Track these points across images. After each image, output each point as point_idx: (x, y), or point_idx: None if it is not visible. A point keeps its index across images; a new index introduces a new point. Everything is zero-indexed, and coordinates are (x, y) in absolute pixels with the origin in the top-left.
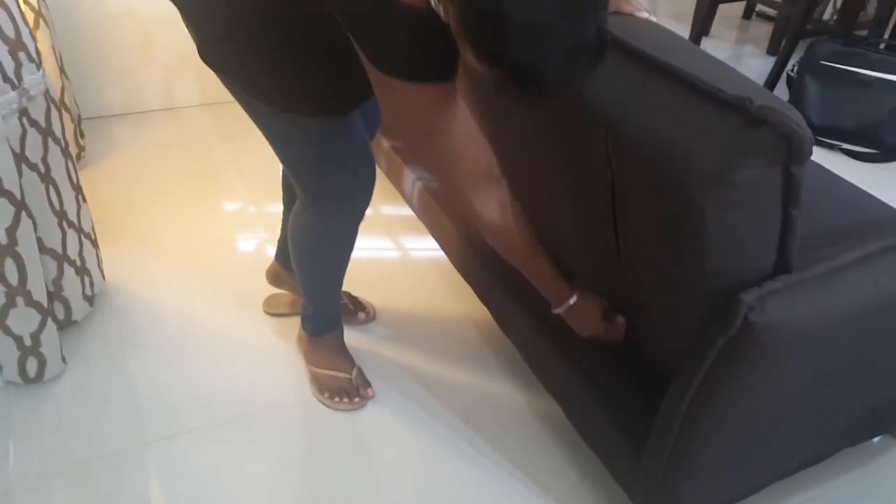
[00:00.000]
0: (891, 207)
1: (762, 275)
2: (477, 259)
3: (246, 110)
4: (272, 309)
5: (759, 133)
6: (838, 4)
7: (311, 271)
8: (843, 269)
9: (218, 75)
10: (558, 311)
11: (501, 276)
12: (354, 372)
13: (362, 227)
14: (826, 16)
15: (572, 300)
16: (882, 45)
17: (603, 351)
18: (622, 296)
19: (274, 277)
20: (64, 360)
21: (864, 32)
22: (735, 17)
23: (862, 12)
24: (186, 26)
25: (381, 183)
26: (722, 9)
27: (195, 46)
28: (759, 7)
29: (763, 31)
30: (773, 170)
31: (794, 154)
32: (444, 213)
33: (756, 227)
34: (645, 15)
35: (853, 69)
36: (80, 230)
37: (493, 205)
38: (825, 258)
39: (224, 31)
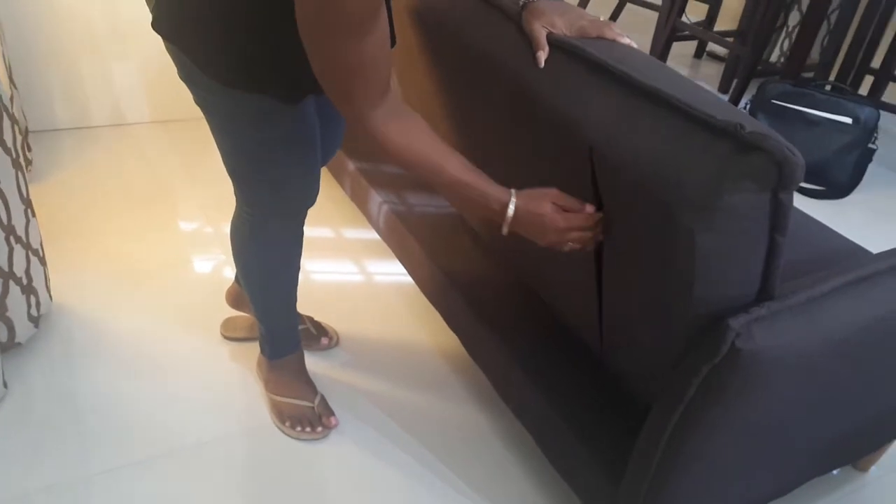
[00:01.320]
0: (848, 240)
1: (746, 301)
2: (446, 282)
3: (192, 88)
4: (230, 332)
5: (750, 158)
6: (785, 47)
7: (257, 281)
8: (822, 297)
9: (169, 46)
10: (506, 227)
11: (471, 299)
12: (317, 400)
13: (325, 250)
14: (773, 58)
15: (511, 204)
16: (828, 87)
17: (580, 378)
18: (602, 320)
19: (234, 299)
20: (5, 384)
21: (810, 74)
22: (687, 55)
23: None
24: (149, 2)
25: (346, 206)
26: (675, 47)
27: (152, 24)
28: (710, 47)
29: (714, 69)
30: (762, 195)
31: (785, 180)
32: (412, 235)
33: (742, 253)
34: (626, 41)
35: (802, 109)
36: (27, 246)
37: (393, 120)
38: (804, 287)
39: (184, 1)
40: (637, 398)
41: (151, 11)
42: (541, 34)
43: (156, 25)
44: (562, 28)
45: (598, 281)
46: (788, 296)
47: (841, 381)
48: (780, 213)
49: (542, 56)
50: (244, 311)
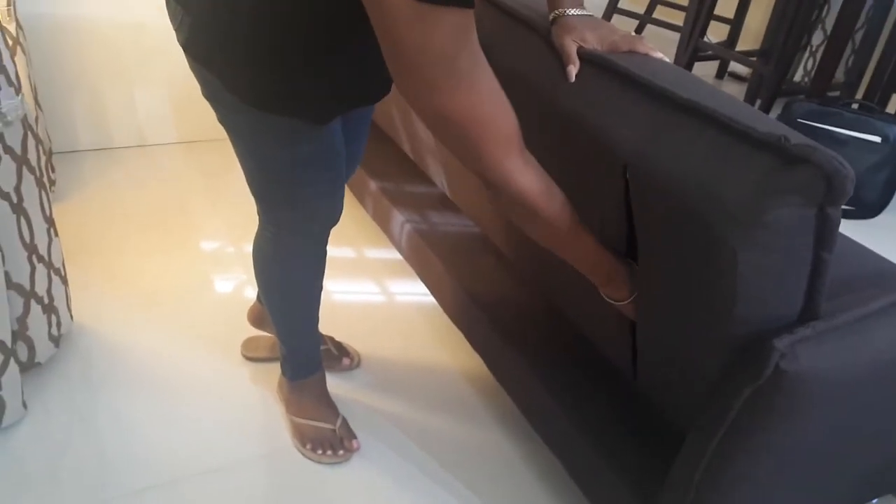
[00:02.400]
0: (887, 259)
1: (789, 321)
2: (469, 302)
3: (216, 106)
4: (250, 352)
5: (796, 171)
6: (809, 67)
7: (279, 301)
8: (869, 317)
9: (194, 65)
10: (622, 301)
11: (495, 318)
12: (338, 422)
13: (347, 270)
14: (797, 77)
15: (627, 287)
16: (855, 106)
17: (608, 400)
18: (635, 340)
19: (256, 318)
20: (25, 405)
21: (835, 93)
22: (709, 76)
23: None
24: (175, 20)
25: (368, 225)
26: (696, 67)
27: (180, 42)
28: (732, 67)
29: (736, 90)
30: (807, 210)
31: (834, 194)
32: (434, 254)
33: (786, 271)
34: (659, 55)
35: (829, 128)
36: (49, 265)
37: (528, 168)
38: (849, 306)
39: (217, 22)
40: (667, 419)
41: (177, 29)
42: (571, 48)
43: (184, 44)
44: (593, 43)
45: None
46: (834, 315)
47: (887, 405)
48: (826, 229)
49: (573, 70)
50: (266, 331)
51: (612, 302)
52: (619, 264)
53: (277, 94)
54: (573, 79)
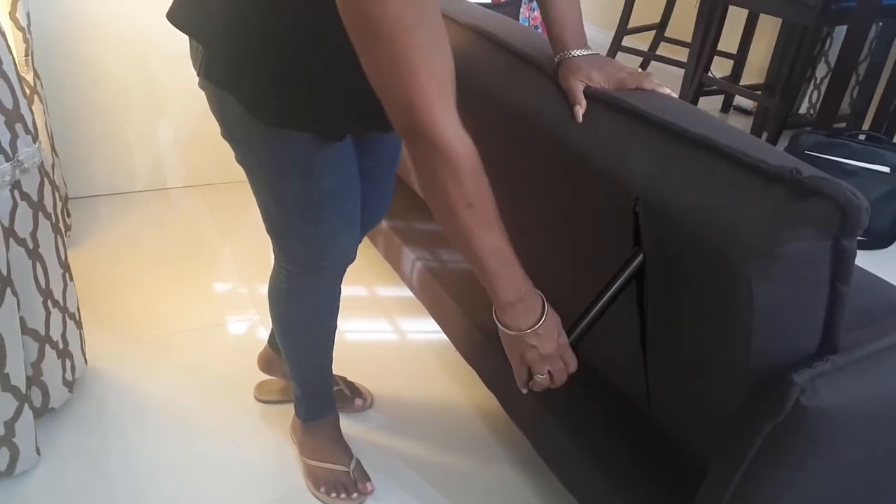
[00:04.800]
0: None
1: (807, 354)
2: (482, 339)
3: (234, 143)
4: (263, 395)
5: (809, 203)
6: (814, 99)
7: (293, 340)
8: (889, 350)
9: (214, 98)
10: (522, 331)
11: None
12: (352, 464)
13: (359, 308)
14: (802, 109)
15: (545, 311)
16: (863, 136)
17: (625, 436)
18: (648, 375)
19: (265, 363)
20: (38, 451)
21: (841, 125)
22: (714, 110)
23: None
24: (196, 59)
25: (379, 264)
26: (701, 102)
27: (198, 71)
28: (737, 101)
29: (741, 123)
30: (823, 242)
31: (849, 225)
32: (446, 291)
33: (804, 303)
34: (667, 91)
35: (837, 159)
36: (64, 310)
37: (457, 123)
38: (869, 339)
39: (234, 44)
40: (686, 456)
41: (198, 66)
42: (578, 89)
43: (205, 72)
44: (599, 81)
45: (643, 334)
46: (854, 349)
47: None
48: (842, 260)
49: (580, 111)
50: (276, 376)
51: (506, 330)
52: (533, 288)
53: (296, 106)
54: (580, 119)
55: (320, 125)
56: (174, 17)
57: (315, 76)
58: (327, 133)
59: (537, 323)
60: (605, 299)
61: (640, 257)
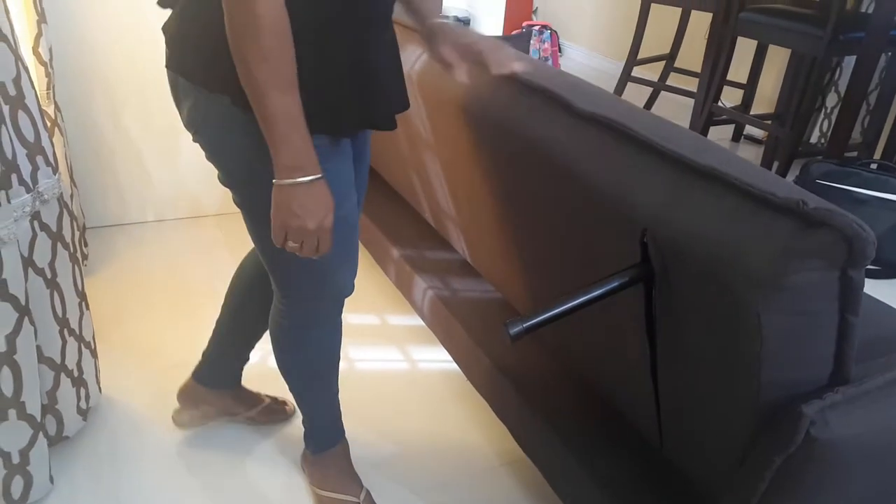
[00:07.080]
0: None
1: (817, 386)
2: (493, 370)
3: (233, 187)
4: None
5: (816, 235)
6: (824, 128)
7: (298, 375)
8: None
9: (216, 132)
10: (289, 180)
11: (520, 386)
12: (362, 495)
13: (370, 337)
14: (813, 139)
15: (316, 175)
16: (874, 165)
17: (639, 471)
18: (659, 408)
19: (187, 396)
20: (52, 480)
21: (853, 153)
22: (724, 140)
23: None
24: (178, 98)
25: (390, 292)
26: (711, 132)
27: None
28: (748, 130)
29: (752, 153)
30: (830, 273)
31: (856, 256)
32: (457, 321)
33: (813, 335)
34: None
35: (849, 188)
36: (80, 339)
37: None
38: (880, 370)
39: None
40: (698, 489)
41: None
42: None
43: (207, 84)
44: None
45: (654, 366)
46: (864, 380)
47: None
48: (850, 291)
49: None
50: (199, 410)
51: (279, 192)
52: (318, 165)
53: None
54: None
55: (325, 121)
56: (169, 63)
57: (308, 66)
58: (333, 127)
59: (308, 195)
60: (580, 300)
61: (628, 278)
